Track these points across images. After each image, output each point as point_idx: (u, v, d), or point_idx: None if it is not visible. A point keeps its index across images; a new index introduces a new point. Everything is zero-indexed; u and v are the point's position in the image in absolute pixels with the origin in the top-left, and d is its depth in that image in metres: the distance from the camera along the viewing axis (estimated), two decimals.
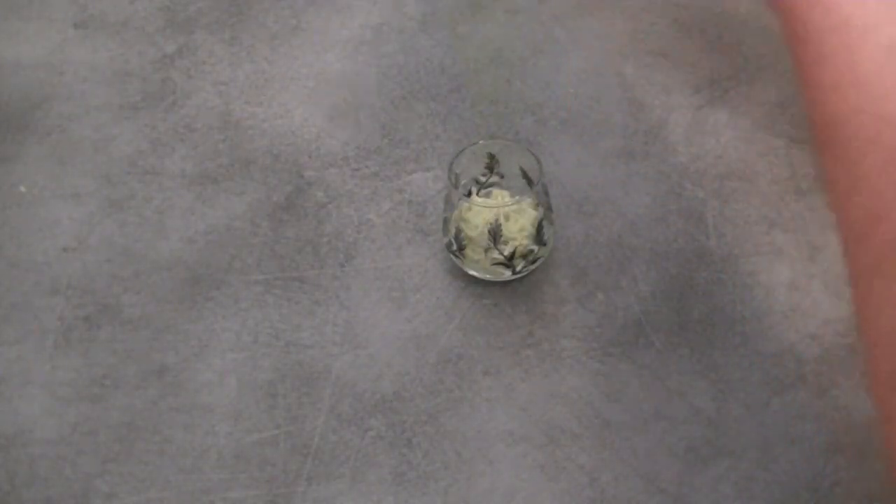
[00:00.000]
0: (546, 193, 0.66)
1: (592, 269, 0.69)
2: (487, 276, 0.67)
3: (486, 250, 0.65)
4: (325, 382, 0.64)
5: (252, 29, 0.87)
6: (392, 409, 0.63)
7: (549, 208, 0.66)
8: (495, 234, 0.65)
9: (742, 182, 0.73)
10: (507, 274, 0.67)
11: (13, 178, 0.77)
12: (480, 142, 0.68)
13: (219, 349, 0.66)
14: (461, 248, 0.66)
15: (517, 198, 0.66)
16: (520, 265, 0.66)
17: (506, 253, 0.65)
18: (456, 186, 0.66)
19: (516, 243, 0.65)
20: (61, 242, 0.73)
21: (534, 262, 0.66)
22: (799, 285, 0.67)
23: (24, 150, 0.79)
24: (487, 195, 0.68)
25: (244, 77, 0.83)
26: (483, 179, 0.69)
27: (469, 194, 0.68)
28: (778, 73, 0.80)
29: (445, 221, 0.67)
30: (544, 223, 0.66)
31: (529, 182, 0.67)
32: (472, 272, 0.67)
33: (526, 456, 0.60)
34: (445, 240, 0.67)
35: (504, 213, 0.65)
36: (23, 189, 0.76)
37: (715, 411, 0.62)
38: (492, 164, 0.68)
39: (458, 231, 0.66)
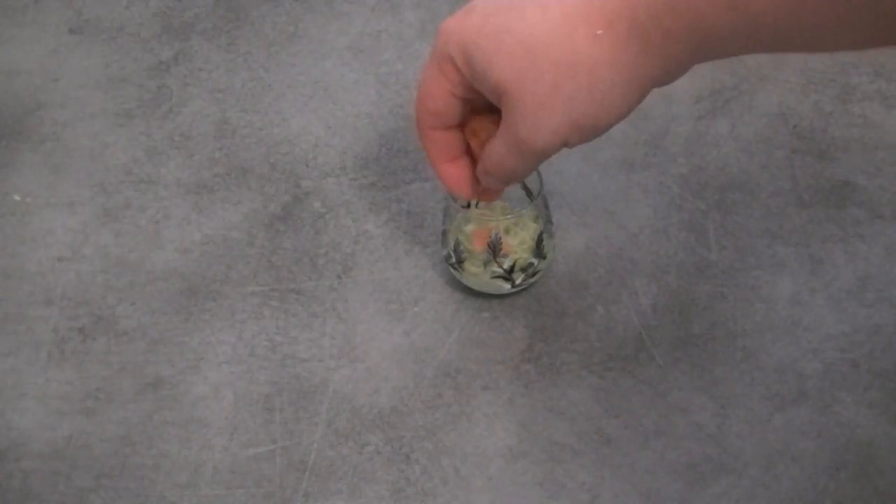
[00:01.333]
0: (546, 206, 0.66)
1: (592, 283, 0.68)
2: (486, 290, 0.66)
3: (486, 263, 0.65)
4: (322, 396, 0.64)
5: (249, 35, 0.86)
6: (390, 423, 0.62)
7: (549, 221, 0.66)
8: (494, 248, 0.64)
9: (744, 194, 0.72)
10: (506, 287, 0.66)
11: (6, 187, 0.76)
12: None
13: (214, 362, 0.66)
14: (460, 261, 0.65)
15: (517, 210, 0.65)
16: (519, 278, 0.65)
17: (505, 266, 0.65)
18: (455, 198, 0.65)
19: (516, 256, 0.64)
20: (55, 252, 0.72)
21: (533, 275, 0.66)
22: (801, 299, 0.66)
23: (17, 157, 0.78)
24: (487, 207, 0.68)
25: (241, 84, 0.82)
26: None
27: (468, 206, 0.68)
28: (780, 83, 0.79)
29: (444, 234, 0.66)
30: (544, 236, 0.65)
31: (529, 194, 0.66)
32: (471, 285, 0.67)
33: (525, 472, 0.60)
34: (444, 252, 0.67)
35: (504, 226, 0.64)
36: (16, 198, 0.75)
37: (716, 427, 0.61)
38: None
39: (457, 244, 0.65)
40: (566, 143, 0.52)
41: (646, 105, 0.78)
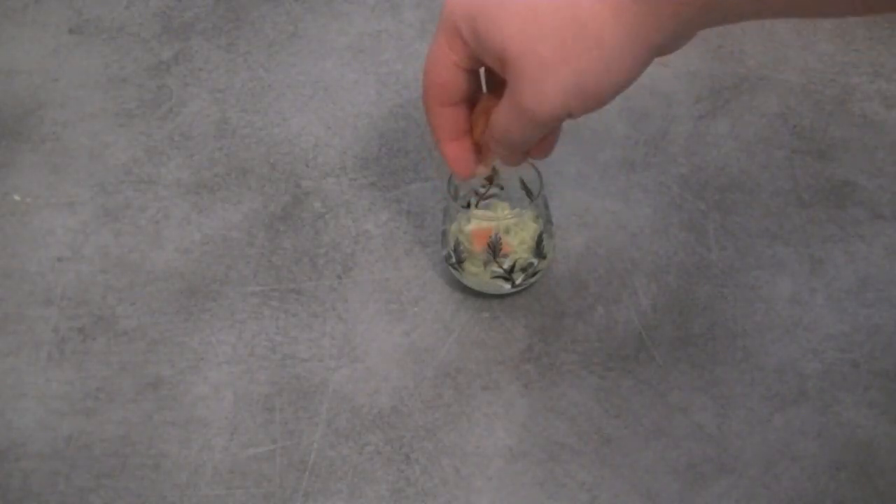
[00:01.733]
0: (546, 206, 0.66)
1: (593, 283, 0.68)
2: (486, 290, 0.66)
3: (486, 263, 0.65)
4: (322, 396, 0.64)
5: (249, 35, 0.86)
6: (390, 424, 0.62)
7: (549, 221, 0.66)
8: (495, 248, 0.64)
9: (744, 194, 0.72)
10: (506, 287, 0.66)
11: (6, 187, 0.76)
12: None
13: (214, 362, 0.66)
14: (460, 261, 0.65)
15: (517, 210, 0.65)
16: (519, 278, 0.65)
17: (505, 266, 0.65)
18: (455, 198, 0.65)
19: (516, 256, 0.64)
20: (55, 252, 0.72)
21: (533, 275, 0.66)
22: (801, 299, 0.66)
23: (17, 157, 0.78)
24: (487, 207, 0.68)
25: (241, 84, 0.82)
26: (482, 191, 0.68)
27: (468, 206, 0.68)
28: (780, 83, 0.79)
29: (444, 234, 0.66)
30: (544, 236, 0.65)
31: (529, 194, 0.66)
32: (471, 285, 0.67)
33: (525, 472, 0.60)
34: (444, 252, 0.67)
35: (504, 225, 0.64)
36: (16, 198, 0.75)
37: (716, 428, 0.61)
38: (491, 176, 0.67)
39: (458, 243, 0.65)
40: (570, 112, 0.51)
41: (646, 105, 0.79)
